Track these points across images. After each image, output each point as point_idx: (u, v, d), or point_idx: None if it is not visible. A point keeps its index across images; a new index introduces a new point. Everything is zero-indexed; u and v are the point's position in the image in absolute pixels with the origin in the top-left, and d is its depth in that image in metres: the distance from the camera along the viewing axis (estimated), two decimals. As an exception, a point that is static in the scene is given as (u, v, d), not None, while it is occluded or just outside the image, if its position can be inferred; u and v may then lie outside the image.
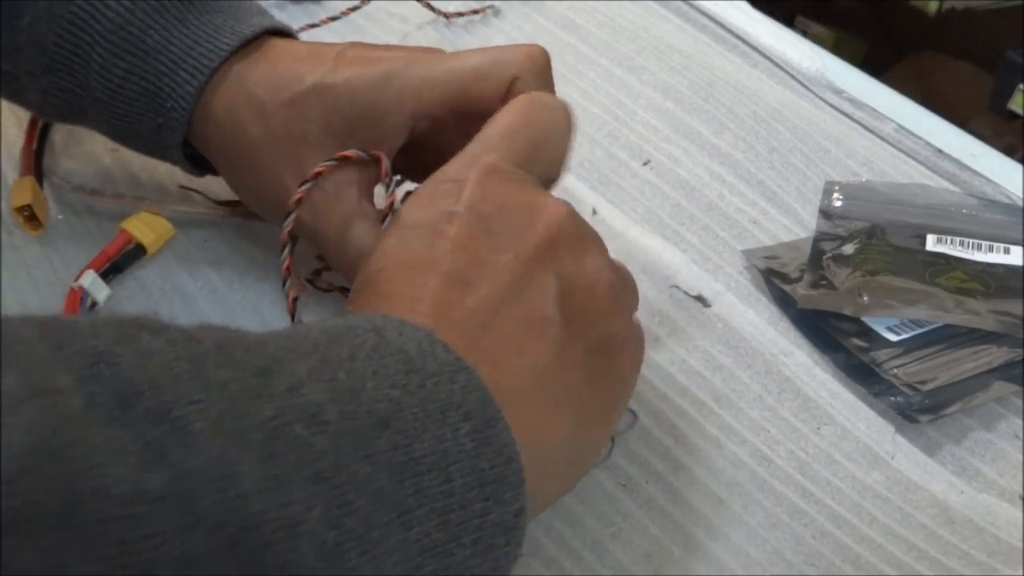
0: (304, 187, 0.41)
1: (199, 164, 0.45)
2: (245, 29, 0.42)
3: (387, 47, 0.43)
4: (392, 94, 0.41)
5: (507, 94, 0.41)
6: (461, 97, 0.41)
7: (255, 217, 0.48)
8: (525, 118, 0.37)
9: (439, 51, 0.43)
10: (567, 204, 0.35)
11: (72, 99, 0.43)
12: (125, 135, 0.44)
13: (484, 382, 0.29)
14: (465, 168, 0.35)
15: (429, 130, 0.42)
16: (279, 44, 0.43)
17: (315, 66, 0.41)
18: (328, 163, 0.41)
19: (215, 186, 0.51)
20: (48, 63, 0.42)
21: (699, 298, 0.47)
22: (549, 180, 0.38)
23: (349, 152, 0.41)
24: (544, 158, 0.37)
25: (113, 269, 0.46)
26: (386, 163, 0.42)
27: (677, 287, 0.48)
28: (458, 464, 0.27)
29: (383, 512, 0.26)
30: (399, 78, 0.41)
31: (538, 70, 0.42)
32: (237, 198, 0.49)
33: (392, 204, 0.41)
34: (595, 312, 0.34)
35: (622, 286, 0.36)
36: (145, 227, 0.47)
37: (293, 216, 0.41)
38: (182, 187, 0.51)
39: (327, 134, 0.41)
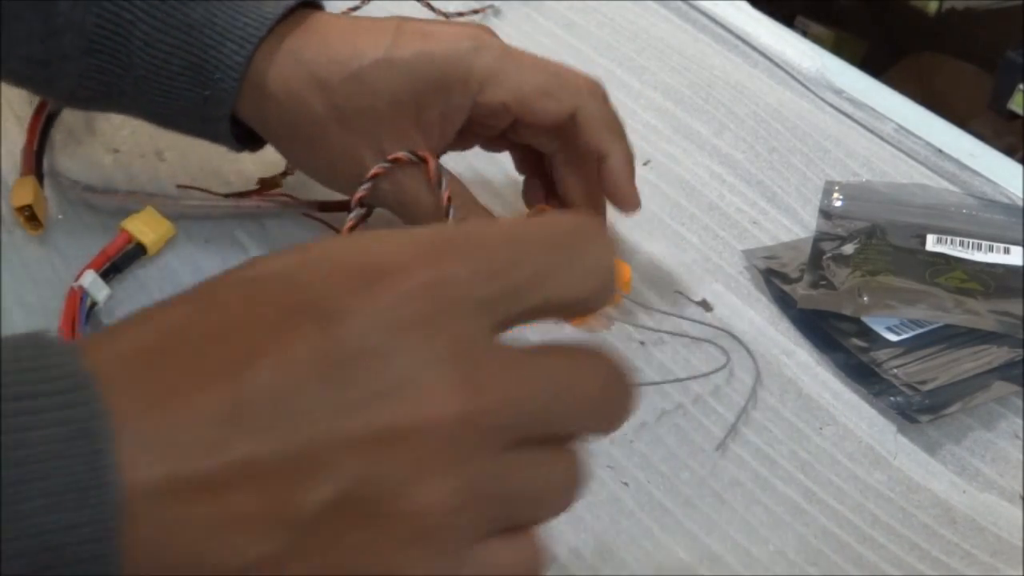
0: (364, 186, 0.43)
1: (241, 140, 0.46)
2: (285, 1, 0.43)
3: (438, 23, 0.44)
4: (460, 74, 0.42)
5: (568, 121, 0.43)
6: (521, 103, 0.42)
7: (266, 209, 0.49)
8: (551, 243, 0.26)
9: (491, 32, 0.44)
10: (488, 399, 0.24)
11: (111, 80, 0.43)
12: (166, 112, 0.45)
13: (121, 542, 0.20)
14: (414, 255, 0.24)
15: (480, 115, 0.44)
16: (325, 18, 0.44)
17: (375, 40, 0.42)
18: (383, 164, 0.43)
19: (215, 183, 0.51)
20: (87, 45, 0.42)
21: (702, 303, 0.47)
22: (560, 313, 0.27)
23: (399, 154, 0.43)
24: (543, 307, 0.25)
25: (113, 269, 0.46)
26: (433, 164, 0.43)
27: (680, 292, 0.48)
28: None
29: None
30: (468, 62, 0.42)
31: (602, 104, 0.44)
32: (241, 190, 0.50)
33: (449, 200, 0.43)
34: (378, 543, 0.23)
35: (494, 511, 0.25)
36: (145, 227, 0.47)
37: (367, 185, 0.43)
38: (180, 187, 0.51)
39: (395, 107, 0.42)
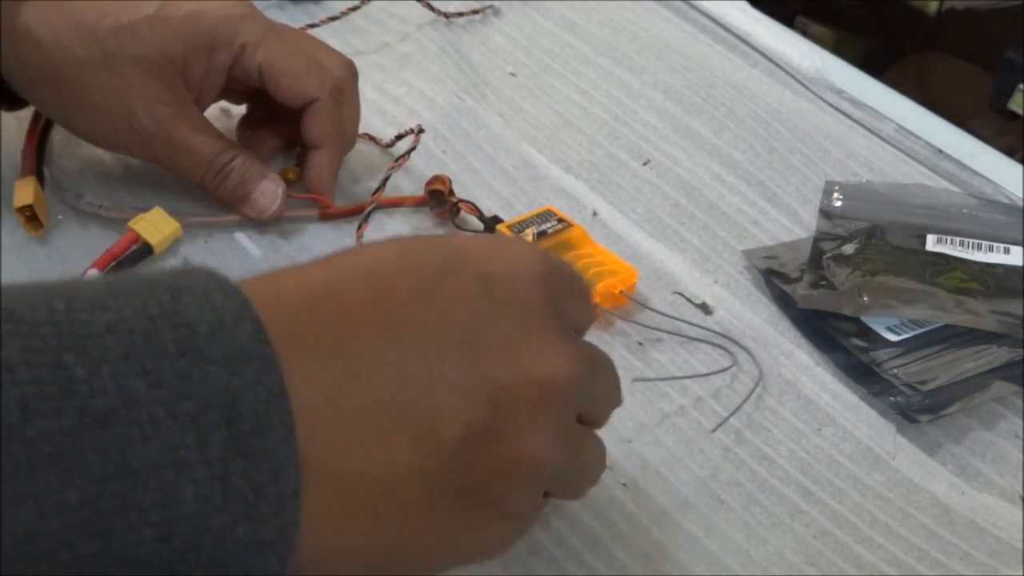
0: (378, 189, 0.50)
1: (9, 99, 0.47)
2: None
3: None
4: (226, 36, 0.46)
5: (304, 106, 0.48)
6: (271, 75, 0.47)
7: (265, 221, 0.49)
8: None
9: (258, 10, 0.48)
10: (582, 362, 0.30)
11: None
12: None
13: (290, 398, 0.24)
14: (539, 261, 0.31)
15: (235, 75, 0.48)
16: None
17: None
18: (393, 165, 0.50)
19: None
20: None
21: (702, 306, 0.47)
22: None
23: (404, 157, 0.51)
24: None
25: (118, 268, 0.46)
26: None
27: (680, 294, 0.48)
28: (192, 473, 0.23)
29: (67, 532, 0.22)
30: (235, 26, 0.46)
31: (337, 104, 0.48)
32: None
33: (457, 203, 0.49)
34: (501, 472, 0.28)
35: (562, 470, 0.30)
36: (152, 227, 0.47)
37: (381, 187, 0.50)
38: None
39: (163, 59, 0.45)
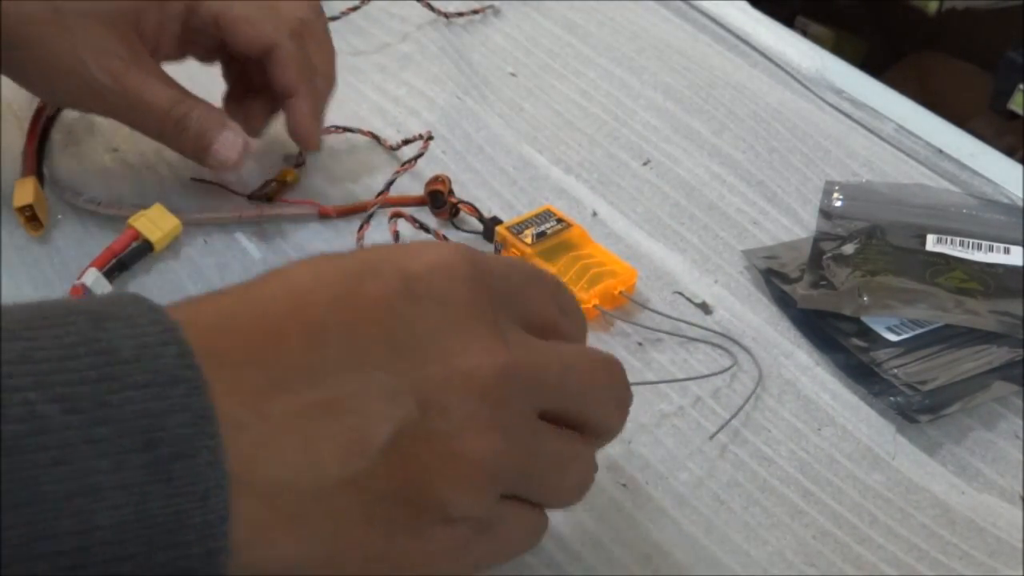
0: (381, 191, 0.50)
1: None
2: None
3: None
4: None
5: (264, 53, 0.47)
6: (226, 24, 0.47)
7: (268, 217, 0.49)
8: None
9: None
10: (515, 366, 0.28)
11: None
12: None
13: (217, 419, 0.24)
14: (465, 260, 0.29)
15: (193, 27, 0.48)
16: None
17: None
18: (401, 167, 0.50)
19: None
20: None
21: (702, 305, 0.47)
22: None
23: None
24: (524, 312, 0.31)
25: (119, 266, 0.46)
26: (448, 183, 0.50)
27: (680, 293, 0.48)
28: (108, 499, 0.23)
29: None
30: None
31: (299, 45, 0.47)
32: (255, 192, 0.50)
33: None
34: (437, 471, 0.27)
35: (519, 469, 0.29)
36: (152, 224, 0.47)
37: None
38: (194, 179, 0.51)
39: (115, 12, 0.45)
